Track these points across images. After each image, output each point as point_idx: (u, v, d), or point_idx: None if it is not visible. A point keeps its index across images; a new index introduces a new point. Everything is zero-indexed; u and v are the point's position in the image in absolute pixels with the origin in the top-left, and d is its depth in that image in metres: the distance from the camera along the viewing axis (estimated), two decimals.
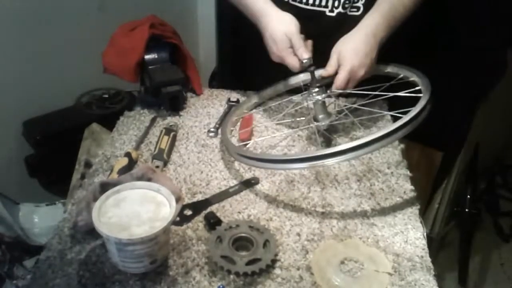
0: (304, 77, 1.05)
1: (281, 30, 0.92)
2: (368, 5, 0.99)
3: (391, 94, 0.93)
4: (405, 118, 0.76)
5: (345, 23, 0.97)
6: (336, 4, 1.01)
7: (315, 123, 0.95)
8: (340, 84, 0.91)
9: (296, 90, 1.08)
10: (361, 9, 1.02)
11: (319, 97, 0.93)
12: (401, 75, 0.97)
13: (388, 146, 0.97)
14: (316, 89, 0.93)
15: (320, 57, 0.94)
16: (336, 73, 0.92)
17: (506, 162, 2.28)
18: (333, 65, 0.93)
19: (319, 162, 0.75)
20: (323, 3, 1.01)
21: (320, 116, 0.94)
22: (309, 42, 0.96)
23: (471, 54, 1.33)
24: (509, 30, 1.30)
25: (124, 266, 0.68)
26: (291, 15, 0.94)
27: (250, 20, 0.99)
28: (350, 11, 1.02)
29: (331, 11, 1.02)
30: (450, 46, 1.35)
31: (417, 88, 0.89)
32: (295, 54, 0.92)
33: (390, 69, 1.01)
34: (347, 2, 1.01)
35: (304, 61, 0.91)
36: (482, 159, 1.77)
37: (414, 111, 0.78)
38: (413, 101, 0.82)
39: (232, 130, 1.02)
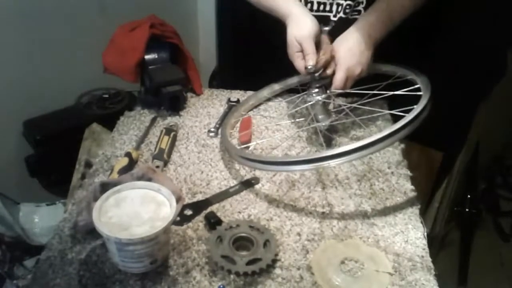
0: (300, 77, 1.05)
1: (292, 34, 0.92)
2: (368, 7, 1.00)
3: (391, 93, 0.93)
4: (408, 117, 0.76)
5: (347, 26, 0.98)
6: (339, 9, 1.02)
7: (316, 124, 0.95)
8: (338, 84, 0.92)
9: (294, 90, 1.09)
10: (362, 12, 1.03)
11: (318, 98, 0.93)
12: (398, 73, 0.97)
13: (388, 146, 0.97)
14: (316, 90, 0.93)
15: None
16: (333, 73, 0.93)
17: (506, 162, 2.27)
18: (331, 66, 0.93)
19: (322, 164, 0.75)
20: (328, 8, 1.03)
21: (320, 117, 0.94)
22: (327, 47, 0.94)
23: (471, 54, 1.33)
24: (509, 30, 1.30)
25: (124, 266, 0.68)
26: (312, 18, 0.92)
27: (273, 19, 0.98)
28: (351, 16, 1.03)
29: (335, 16, 1.04)
30: (450, 45, 1.35)
31: (416, 86, 0.89)
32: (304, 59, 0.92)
33: (387, 68, 1.01)
34: (347, 7, 1.02)
35: (309, 67, 0.90)
36: (482, 159, 1.77)
37: (416, 110, 0.78)
38: (412, 99, 0.82)
39: (231, 133, 1.02)
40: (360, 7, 1.03)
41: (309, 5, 1.03)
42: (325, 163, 0.75)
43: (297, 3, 0.96)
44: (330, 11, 1.03)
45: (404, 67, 0.98)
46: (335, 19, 1.04)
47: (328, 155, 0.74)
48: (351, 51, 0.92)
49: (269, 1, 0.99)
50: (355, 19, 1.01)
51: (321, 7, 1.03)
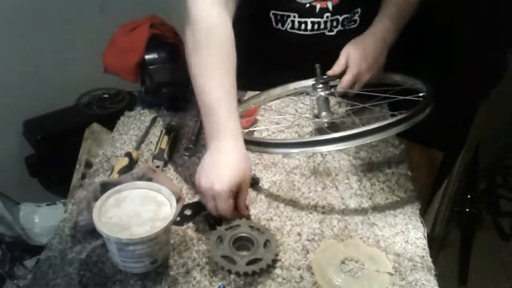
0: (306, 83, 1.05)
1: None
2: (364, 16, 1.02)
3: (395, 98, 0.92)
4: (407, 113, 0.77)
5: (345, 37, 0.99)
6: (335, 24, 1.02)
7: (317, 120, 0.95)
8: (345, 86, 0.93)
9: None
10: (358, 21, 1.04)
11: (322, 93, 0.93)
12: (409, 84, 0.96)
13: (389, 146, 0.97)
14: (320, 85, 0.93)
15: (327, 70, 0.96)
16: (342, 73, 0.93)
17: (506, 162, 2.27)
18: (340, 66, 0.94)
19: (314, 149, 0.76)
20: (322, 26, 1.02)
21: (323, 113, 0.94)
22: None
23: (471, 54, 1.33)
24: (509, 30, 1.30)
25: (124, 266, 0.68)
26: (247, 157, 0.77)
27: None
28: (348, 26, 1.04)
29: (331, 30, 1.03)
30: (450, 46, 1.35)
31: (420, 94, 0.88)
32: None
33: (398, 78, 1.00)
34: (345, 20, 1.02)
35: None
36: (483, 159, 1.77)
37: (415, 108, 0.78)
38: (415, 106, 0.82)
39: None
40: (356, 17, 1.03)
41: (303, 25, 1.02)
42: (316, 148, 0.75)
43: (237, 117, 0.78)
44: (325, 28, 1.03)
45: (413, 77, 0.96)
46: (332, 33, 1.03)
47: (320, 139, 0.74)
48: (365, 56, 0.93)
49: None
50: (352, 29, 1.02)
51: (315, 26, 1.02)
